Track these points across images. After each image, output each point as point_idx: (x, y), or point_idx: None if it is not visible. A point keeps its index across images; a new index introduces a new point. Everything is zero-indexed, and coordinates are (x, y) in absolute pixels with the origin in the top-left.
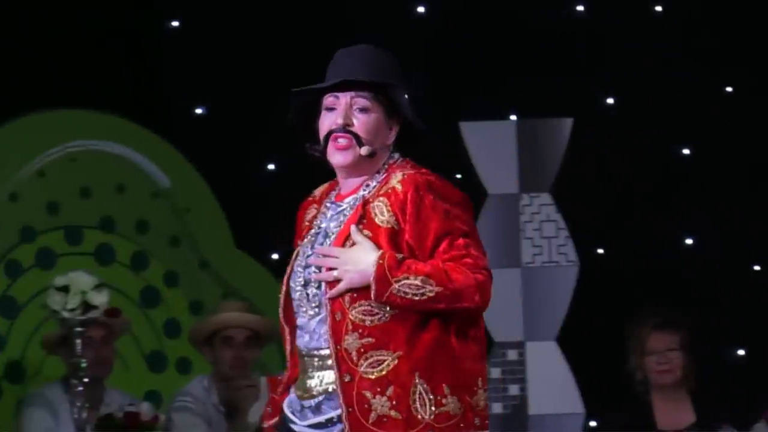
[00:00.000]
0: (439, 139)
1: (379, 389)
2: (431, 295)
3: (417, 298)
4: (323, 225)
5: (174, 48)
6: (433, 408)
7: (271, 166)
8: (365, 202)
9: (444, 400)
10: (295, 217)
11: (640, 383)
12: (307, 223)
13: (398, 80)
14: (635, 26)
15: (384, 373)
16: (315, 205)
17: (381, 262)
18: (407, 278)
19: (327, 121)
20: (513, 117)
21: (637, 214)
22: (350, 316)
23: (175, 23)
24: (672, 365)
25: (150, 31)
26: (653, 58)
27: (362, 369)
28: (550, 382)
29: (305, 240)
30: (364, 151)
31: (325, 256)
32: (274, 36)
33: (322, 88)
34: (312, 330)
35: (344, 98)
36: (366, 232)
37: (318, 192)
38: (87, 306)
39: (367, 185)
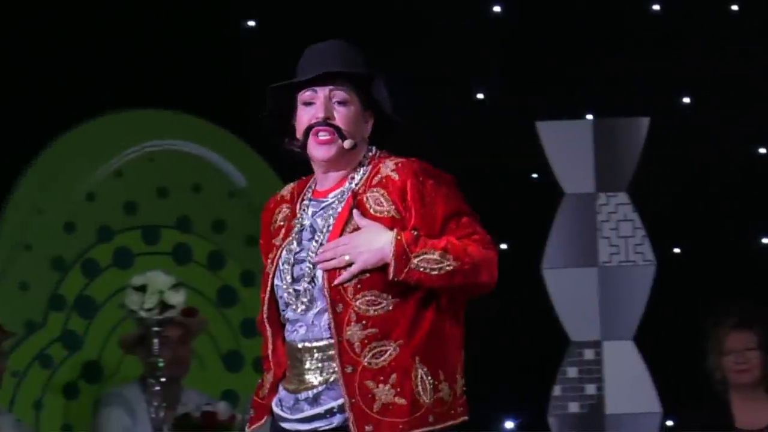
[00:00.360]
0: (517, 139)
1: (381, 378)
2: (449, 269)
3: (435, 273)
4: (306, 222)
5: (250, 47)
6: (432, 393)
7: None
8: (355, 195)
9: (440, 386)
10: (260, 219)
11: (719, 383)
12: (281, 223)
13: (369, 71)
14: (711, 25)
15: (386, 362)
16: (287, 205)
17: (399, 238)
18: (425, 253)
19: (306, 116)
20: (589, 116)
21: (714, 212)
22: (354, 307)
23: (252, 23)
24: (750, 365)
25: (227, 31)
26: (729, 57)
27: (365, 360)
28: (627, 382)
29: (288, 238)
30: (347, 144)
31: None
32: (350, 35)
33: (300, 82)
34: (310, 322)
35: (322, 92)
36: (363, 223)
37: (286, 191)
38: (164, 305)
39: (352, 178)
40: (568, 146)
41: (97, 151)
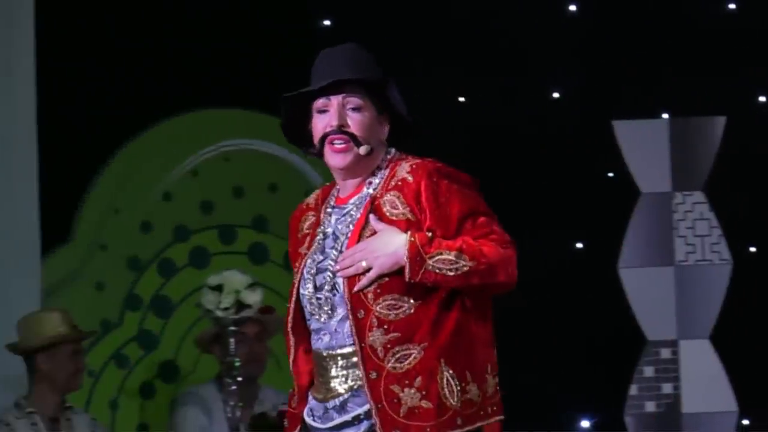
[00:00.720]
0: (593, 138)
1: (407, 382)
2: (465, 269)
3: (451, 273)
4: (329, 230)
5: (326, 46)
6: (459, 395)
7: None
8: (373, 200)
9: (467, 387)
10: (290, 225)
11: None
12: (307, 231)
13: (381, 75)
14: None
15: (411, 366)
16: (312, 213)
17: (413, 240)
18: (441, 254)
19: (321, 124)
20: (665, 115)
21: None
22: (375, 313)
23: (327, 22)
24: None
25: (303, 30)
26: None
27: (389, 365)
28: (704, 381)
29: (313, 247)
30: (362, 150)
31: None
32: (424, 34)
33: (312, 91)
34: (333, 330)
35: (336, 99)
36: (380, 227)
37: (311, 200)
38: (240, 305)
39: (370, 183)
40: (644, 145)
41: (173, 151)
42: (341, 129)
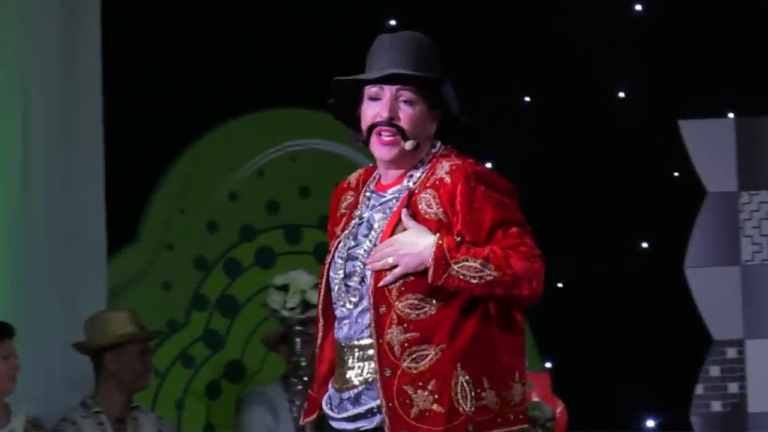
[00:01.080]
0: (659, 137)
1: (420, 383)
2: (489, 279)
3: (475, 281)
4: (365, 215)
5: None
6: (473, 401)
7: (488, 165)
8: (411, 194)
9: (483, 393)
10: (329, 204)
11: None
12: (344, 210)
13: (440, 70)
14: None
15: (426, 367)
16: (351, 192)
17: (440, 243)
18: (466, 260)
19: (371, 112)
20: (731, 115)
21: None
22: (396, 310)
23: (393, 22)
24: None
25: (369, 29)
26: None
27: (405, 364)
28: None
29: (346, 230)
30: (408, 145)
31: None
32: (490, 34)
33: (370, 80)
34: (354, 320)
35: (389, 90)
36: (411, 224)
37: (353, 178)
38: (306, 305)
39: (411, 176)
40: (710, 145)
41: (239, 151)
42: (391, 121)
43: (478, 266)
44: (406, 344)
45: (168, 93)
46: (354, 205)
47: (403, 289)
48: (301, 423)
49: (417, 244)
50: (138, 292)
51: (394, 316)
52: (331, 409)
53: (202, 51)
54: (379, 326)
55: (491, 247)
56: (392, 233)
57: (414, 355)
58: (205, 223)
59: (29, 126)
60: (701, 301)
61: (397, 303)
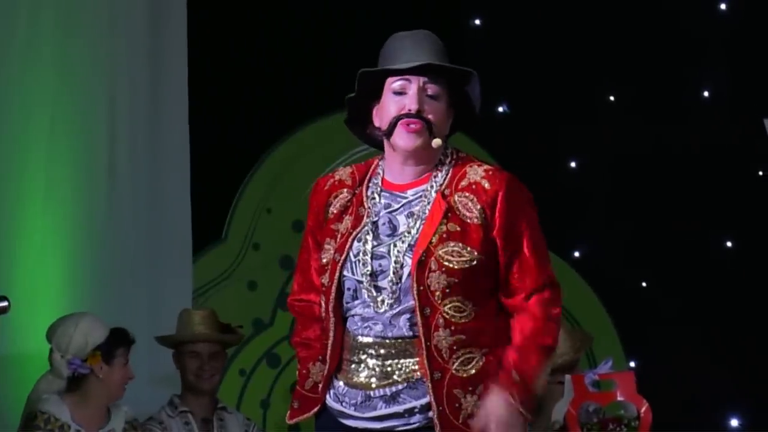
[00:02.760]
0: (743, 136)
1: (470, 388)
2: (544, 366)
3: (539, 374)
4: (382, 213)
5: (476, 46)
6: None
7: (572, 164)
8: (443, 196)
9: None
10: (311, 198)
11: None
12: (340, 208)
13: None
14: None
15: (474, 371)
16: (347, 189)
17: (511, 401)
18: (526, 384)
19: (395, 105)
20: None
21: None
22: (443, 312)
23: (477, 21)
24: None
25: (453, 31)
26: None
27: (454, 367)
28: None
29: (360, 229)
30: (435, 143)
31: None
32: (576, 34)
33: (390, 71)
34: (388, 321)
35: (416, 83)
36: (452, 225)
37: (343, 175)
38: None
39: (435, 177)
40: None
41: (325, 150)
42: (419, 114)
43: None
44: (454, 347)
45: (254, 92)
46: (357, 203)
47: (447, 291)
48: (289, 421)
49: (502, 417)
50: (223, 292)
51: (441, 319)
52: (346, 407)
53: (289, 49)
54: (426, 329)
55: (521, 345)
56: (432, 238)
57: (462, 359)
58: (290, 222)
59: (116, 127)
60: None
61: (442, 305)
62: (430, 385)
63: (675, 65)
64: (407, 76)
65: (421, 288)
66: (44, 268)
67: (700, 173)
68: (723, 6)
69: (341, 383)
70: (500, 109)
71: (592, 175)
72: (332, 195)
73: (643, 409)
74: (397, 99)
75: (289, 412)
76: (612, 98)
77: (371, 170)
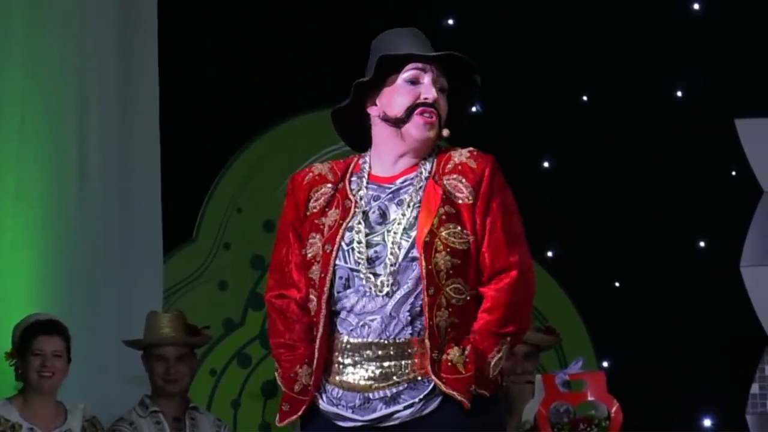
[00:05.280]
0: (715, 136)
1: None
2: (504, 352)
3: (499, 356)
4: (373, 204)
5: (449, 46)
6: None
7: (545, 164)
8: (435, 182)
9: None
10: (290, 193)
11: None
12: (323, 202)
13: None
14: None
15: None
16: (328, 184)
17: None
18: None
19: (410, 94)
20: None
21: None
22: (444, 293)
23: (451, 21)
24: None
25: (427, 30)
26: None
27: (450, 355)
28: None
29: (351, 218)
30: (445, 132)
31: None
32: (550, 35)
33: (410, 58)
34: (388, 314)
35: (431, 73)
36: (449, 208)
37: (323, 170)
38: None
39: (423, 166)
40: (766, 143)
41: (295, 150)
42: (435, 104)
43: (495, 358)
44: (449, 329)
45: (224, 93)
46: (342, 197)
47: (451, 272)
48: (279, 424)
49: None
50: (194, 292)
51: (443, 299)
52: (343, 410)
53: (259, 51)
54: (429, 307)
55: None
56: (435, 218)
57: (454, 340)
58: (261, 222)
59: (87, 126)
60: (757, 300)
61: (445, 286)
62: (429, 364)
63: (648, 65)
64: (421, 66)
65: (429, 267)
66: (14, 268)
67: (673, 173)
68: (696, 6)
69: (335, 387)
70: (473, 109)
71: (565, 175)
72: (313, 189)
73: (613, 409)
74: (411, 88)
75: (278, 414)
76: (585, 98)
77: (352, 166)
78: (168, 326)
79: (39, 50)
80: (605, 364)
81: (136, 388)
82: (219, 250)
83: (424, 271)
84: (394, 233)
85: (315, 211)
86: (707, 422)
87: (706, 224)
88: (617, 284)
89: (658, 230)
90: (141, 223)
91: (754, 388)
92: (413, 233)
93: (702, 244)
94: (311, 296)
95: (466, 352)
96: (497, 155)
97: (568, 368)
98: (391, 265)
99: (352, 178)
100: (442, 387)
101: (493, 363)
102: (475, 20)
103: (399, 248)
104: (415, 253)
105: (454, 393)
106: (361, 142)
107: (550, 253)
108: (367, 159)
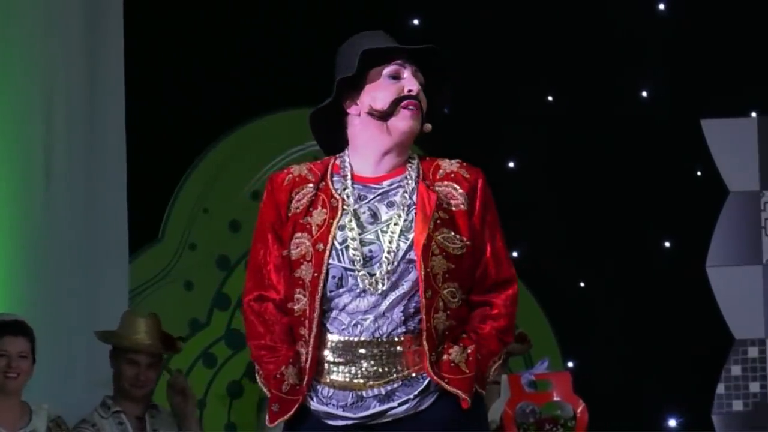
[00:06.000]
0: (681, 136)
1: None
2: (498, 362)
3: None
4: (362, 203)
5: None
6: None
7: (511, 164)
8: (426, 186)
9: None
10: (271, 193)
11: None
12: (306, 202)
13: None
14: None
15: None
16: (310, 185)
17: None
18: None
19: (392, 88)
20: (753, 114)
21: None
22: (441, 295)
23: (416, 21)
24: None
25: (392, 30)
26: None
27: (452, 355)
28: None
29: (341, 218)
30: (426, 127)
31: None
32: (515, 35)
33: (413, 49)
34: (381, 313)
35: (410, 68)
36: (443, 213)
37: (303, 171)
38: None
39: (409, 168)
40: (732, 144)
41: (262, 151)
42: (417, 97)
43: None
44: (446, 332)
45: (190, 93)
46: (326, 197)
47: (447, 276)
48: (270, 425)
49: None
50: (160, 292)
51: (440, 302)
52: (333, 408)
53: (224, 51)
54: (427, 309)
55: (481, 342)
56: (431, 222)
57: (453, 341)
58: (227, 222)
59: (53, 126)
60: (723, 301)
61: (442, 289)
62: (429, 366)
63: (614, 65)
64: (401, 62)
65: (427, 270)
66: None
67: (638, 173)
68: (662, 6)
69: (325, 386)
70: None
71: (530, 176)
72: (293, 191)
73: (579, 410)
74: (393, 82)
75: (268, 415)
76: (550, 98)
77: (330, 167)
78: (145, 331)
79: (4, 51)
80: (570, 364)
81: (101, 389)
82: (185, 251)
83: (422, 273)
84: (392, 233)
85: (298, 211)
86: (672, 422)
87: (671, 224)
88: (582, 284)
89: (623, 230)
90: (107, 223)
91: (720, 389)
92: (411, 236)
93: (667, 244)
94: (298, 296)
95: (468, 351)
96: (463, 155)
97: (534, 368)
98: (388, 265)
99: (334, 178)
100: (446, 386)
101: (494, 367)
102: (440, 20)
103: (397, 249)
104: (412, 255)
105: (458, 392)
106: (333, 145)
107: (515, 254)
108: (346, 159)
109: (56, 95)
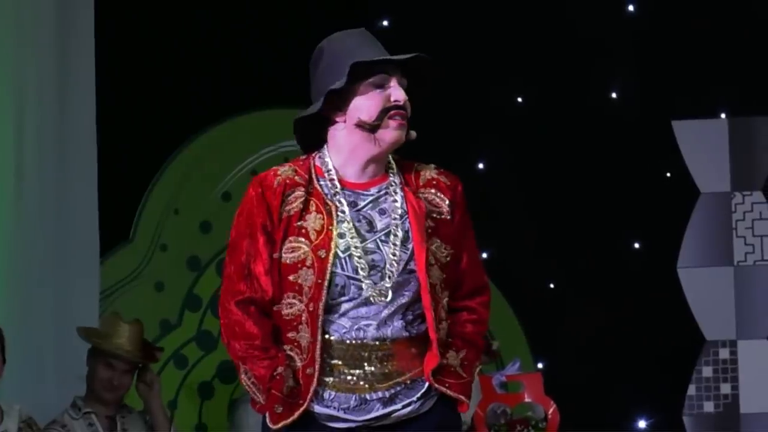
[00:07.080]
0: (651, 138)
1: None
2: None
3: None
4: (354, 210)
5: (384, 47)
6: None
7: (480, 165)
8: (413, 193)
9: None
10: (261, 196)
11: None
12: (298, 205)
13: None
14: None
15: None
16: (300, 188)
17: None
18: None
19: (379, 97)
20: (723, 115)
21: None
22: (443, 305)
23: (385, 23)
24: None
25: None
26: None
27: (449, 361)
28: (763, 381)
29: (337, 227)
30: (412, 135)
31: None
32: (485, 36)
33: (404, 59)
34: (382, 321)
35: (395, 78)
36: (429, 222)
37: (290, 172)
38: None
39: (392, 174)
40: (703, 145)
41: (233, 151)
42: (404, 107)
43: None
44: (448, 338)
45: (161, 93)
46: (319, 201)
47: (443, 285)
48: (274, 427)
49: None
50: (131, 293)
51: (442, 312)
52: (335, 411)
53: (195, 51)
54: (436, 321)
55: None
56: (424, 233)
57: (449, 350)
58: (198, 223)
59: (23, 126)
60: (694, 302)
61: (442, 299)
62: (430, 371)
63: (583, 66)
64: (388, 72)
65: (431, 281)
66: None
67: (609, 175)
68: (631, 7)
69: (326, 389)
70: None
71: (500, 177)
72: (285, 193)
73: (550, 411)
74: (379, 92)
75: (270, 416)
76: (520, 99)
77: (313, 169)
78: (127, 338)
79: None
80: (540, 365)
81: (71, 390)
82: (156, 252)
83: (427, 285)
84: (393, 245)
85: (290, 214)
86: (642, 423)
87: (642, 226)
88: (552, 285)
89: (593, 231)
90: (77, 224)
91: (691, 390)
92: (410, 245)
93: (637, 245)
94: (291, 300)
95: (461, 356)
96: (431, 157)
97: (505, 369)
98: (391, 276)
99: (321, 182)
100: (449, 392)
101: (477, 371)
102: (409, 21)
103: (399, 260)
104: (412, 265)
105: (460, 396)
106: (310, 144)
107: (485, 255)
108: (328, 161)
109: (27, 96)
